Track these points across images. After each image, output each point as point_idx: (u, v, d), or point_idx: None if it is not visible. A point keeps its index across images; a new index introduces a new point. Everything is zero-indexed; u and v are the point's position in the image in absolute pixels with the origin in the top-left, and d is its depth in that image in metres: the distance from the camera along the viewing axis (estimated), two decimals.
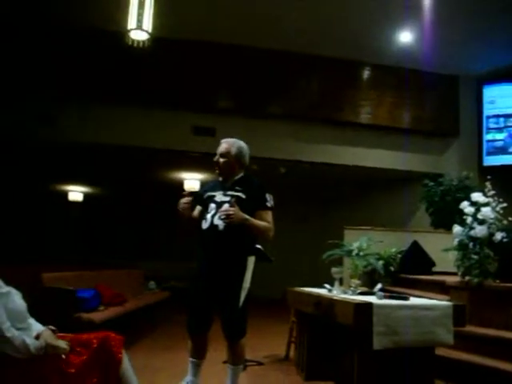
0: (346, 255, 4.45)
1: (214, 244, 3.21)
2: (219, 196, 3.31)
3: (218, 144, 3.48)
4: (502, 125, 8.83)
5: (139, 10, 4.64)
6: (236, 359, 3.27)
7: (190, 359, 3.33)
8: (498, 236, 4.26)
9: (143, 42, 4.85)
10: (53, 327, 2.73)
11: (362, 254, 4.32)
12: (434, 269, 6.14)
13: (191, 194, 3.40)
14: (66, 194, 12.80)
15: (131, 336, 4.81)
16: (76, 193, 12.93)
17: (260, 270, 3.45)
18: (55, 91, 7.60)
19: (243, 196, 3.25)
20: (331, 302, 3.61)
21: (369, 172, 9.25)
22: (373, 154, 8.77)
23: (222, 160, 3.38)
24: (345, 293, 3.91)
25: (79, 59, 7.62)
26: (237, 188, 3.30)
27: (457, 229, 4.50)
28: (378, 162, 8.84)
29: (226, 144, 3.43)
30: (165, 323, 7.28)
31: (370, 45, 8.01)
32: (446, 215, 6.79)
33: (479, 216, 4.34)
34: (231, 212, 3.08)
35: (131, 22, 4.67)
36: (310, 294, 4.15)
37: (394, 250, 6.20)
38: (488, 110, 8.98)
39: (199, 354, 3.33)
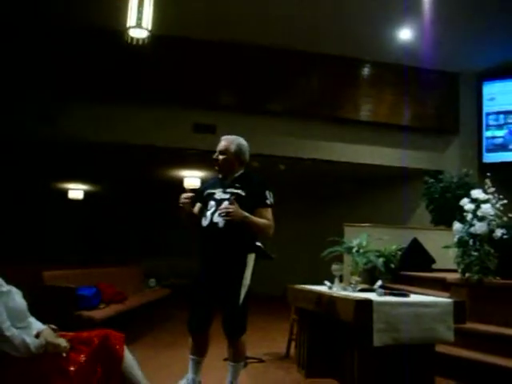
0: (346, 252, 4.45)
1: (214, 241, 3.20)
2: (219, 193, 3.31)
3: (218, 141, 3.47)
4: (501, 122, 8.82)
5: (139, 8, 4.63)
6: (236, 356, 3.27)
7: (191, 356, 3.34)
8: (498, 233, 4.27)
9: (143, 39, 4.84)
10: (53, 326, 2.73)
11: (362, 251, 4.32)
12: (435, 266, 6.15)
13: (192, 190, 3.40)
14: (66, 192, 12.80)
15: (132, 333, 4.81)
16: (76, 191, 12.93)
17: (260, 268, 3.45)
18: (55, 90, 7.58)
19: (243, 193, 3.25)
20: (331, 299, 3.62)
21: (369, 169, 9.25)
22: (373, 151, 8.76)
23: (221, 157, 3.37)
24: (345, 290, 3.91)
25: (79, 58, 7.60)
26: (236, 185, 3.30)
27: (457, 226, 4.51)
28: (378, 159, 8.84)
29: (225, 141, 3.42)
30: (165, 321, 7.28)
31: (370, 42, 7.99)
32: (446, 212, 6.79)
33: (479, 213, 4.35)
34: (231, 210, 3.08)
35: (131, 20, 4.67)
36: (310, 292, 4.16)
37: (394, 247, 6.20)
38: (488, 106, 8.96)
39: (200, 351, 3.33)
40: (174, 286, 8.87)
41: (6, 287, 2.58)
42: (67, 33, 7.62)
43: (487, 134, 8.95)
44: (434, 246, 5.97)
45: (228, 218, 3.09)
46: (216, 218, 3.19)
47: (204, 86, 8.03)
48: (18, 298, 2.63)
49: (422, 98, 8.92)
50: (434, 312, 3.29)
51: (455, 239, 4.50)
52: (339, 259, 4.47)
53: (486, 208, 4.34)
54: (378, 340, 3.13)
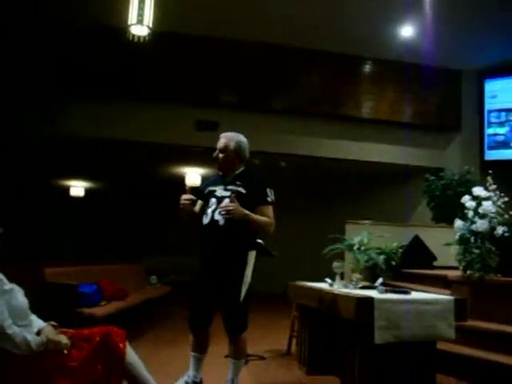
0: (348, 250, 4.44)
1: (215, 239, 3.21)
2: (220, 191, 3.31)
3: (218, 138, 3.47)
4: (503, 119, 8.81)
5: (140, 5, 4.62)
6: (237, 353, 3.28)
7: (192, 353, 3.34)
8: (500, 230, 4.26)
9: (144, 37, 4.84)
10: (54, 323, 2.73)
11: (363, 248, 4.31)
12: (436, 263, 6.13)
13: (193, 190, 3.39)
14: (67, 189, 12.81)
15: (133, 330, 4.81)
16: (78, 188, 12.94)
17: (261, 265, 3.46)
18: (55, 89, 7.57)
19: (243, 191, 3.25)
20: (332, 297, 3.61)
21: (370, 166, 9.25)
22: (374, 148, 8.76)
23: (221, 155, 3.37)
24: (346, 287, 3.90)
25: (79, 57, 7.60)
26: (237, 183, 3.30)
27: (458, 223, 4.50)
28: (379, 157, 8.83)
29: (224, 139, 3.41)
30: (166, 318, 7.29)
31: (372, 39, 7.98)
32: (447, 209, 6.78)
33: (480, 210, 4.34)
34: (231, 207, 3.07)
35: (132, 17, 4.66)
36: (311, 289, 4.15)
37: (395, 244, 6.18)
38: (490, 104, 8.95)
39: (201, 348, 3.34)
40: (175, 283, 8.87)
41: (8, 285, 2.58)
42: (67, 32, 7.62)
43: (489, 131, 8.93)
44: (435, 243, 5.95)
45: (228, 216, 3.09)
46: (217, 216, 3.19)
47: (205, 83, 8.02)
48: (19, 296, 2.63)
49: (423, 96, 8.91)
50: (435, 309, 3.28)
51: (456, 237, 4.49)
52: (340, 257, 4.46)
53: (488, 205, 4.33)
54: (379, 337, 3.12)
